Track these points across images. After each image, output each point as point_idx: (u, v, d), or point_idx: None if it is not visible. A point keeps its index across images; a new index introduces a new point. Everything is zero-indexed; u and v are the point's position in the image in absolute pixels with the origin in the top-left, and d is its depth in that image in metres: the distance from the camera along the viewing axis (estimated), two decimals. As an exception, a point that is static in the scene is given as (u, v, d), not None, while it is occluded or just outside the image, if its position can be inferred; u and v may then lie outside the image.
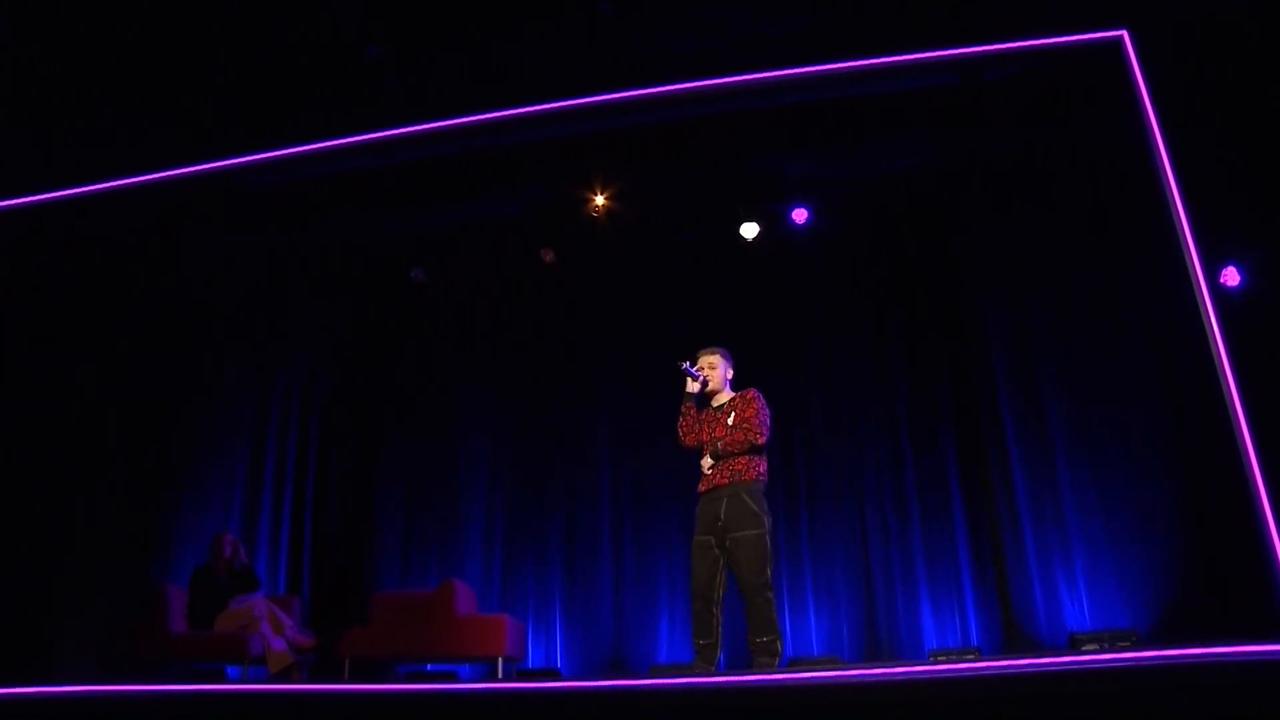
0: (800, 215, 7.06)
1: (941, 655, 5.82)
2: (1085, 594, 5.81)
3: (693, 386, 4.30)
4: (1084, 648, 4.91)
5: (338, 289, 7.74)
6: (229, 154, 5.98)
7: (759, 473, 4.18)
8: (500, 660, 5.78)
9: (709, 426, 4.31)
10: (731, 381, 4.44)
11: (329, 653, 6.00)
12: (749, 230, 6.99)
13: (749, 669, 4.09)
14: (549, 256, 7.27)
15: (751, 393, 4.28)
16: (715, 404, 4.35)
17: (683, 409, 4.33)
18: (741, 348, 5.55)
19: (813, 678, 3.63)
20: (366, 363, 7.73)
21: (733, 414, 4.21)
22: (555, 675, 6.23)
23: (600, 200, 6.94)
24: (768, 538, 4.04)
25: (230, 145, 6.03)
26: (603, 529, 6.97)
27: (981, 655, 5.74)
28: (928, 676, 3.49)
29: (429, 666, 6.65)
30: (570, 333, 7.48)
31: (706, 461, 4.18)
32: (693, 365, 4.34)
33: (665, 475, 6.83)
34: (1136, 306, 6.04)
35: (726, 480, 4.12)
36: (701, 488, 4.23)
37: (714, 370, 4.36)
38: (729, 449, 4.14)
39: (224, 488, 7.16)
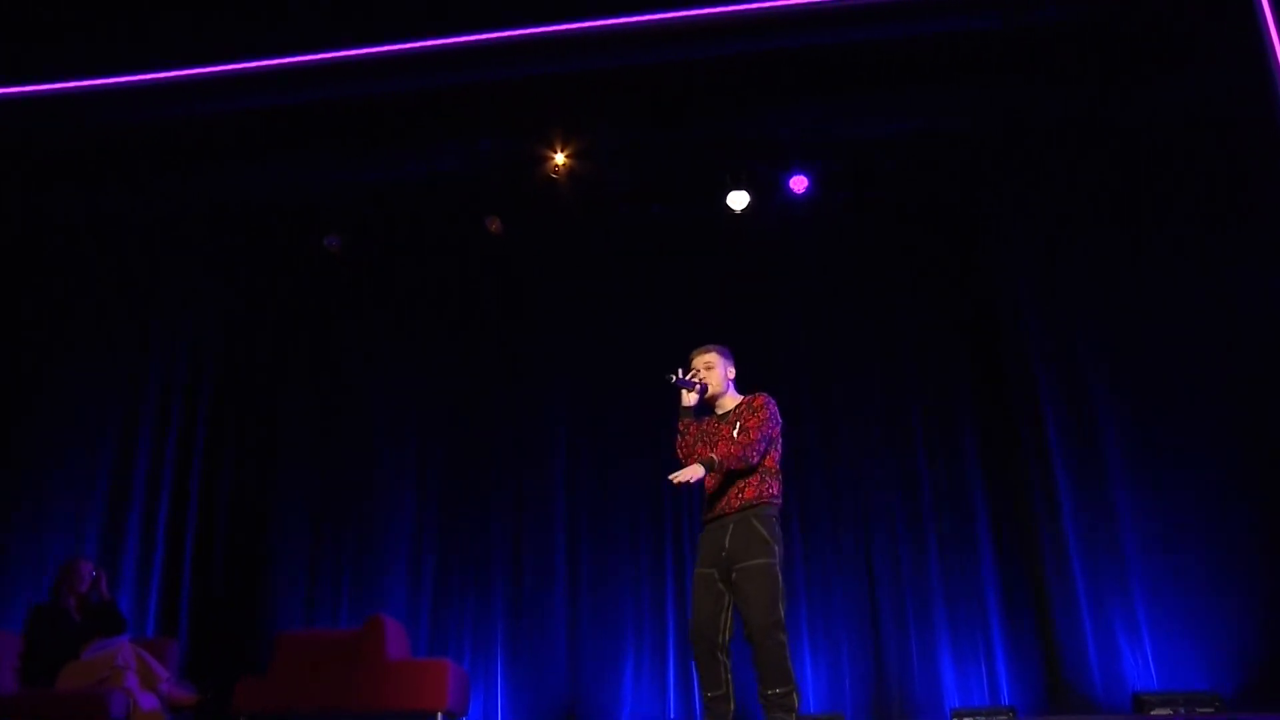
0: (799, 183, 6.88)
1: (967, 715, 5.67)
2: (1150, 645, 5.60)
3: (689, 399, 4.09)
4: (1153, 712, 4.63)
5: (232, 258, 7.46)
6: (87, 73, 5.40)
7: (771, 494, 4.01)
8: (439, 715, 5.45)
9: (709, 440, 4.12)
10: (735, 382, 4.25)
11: (218, 710, 5.64)
12: (738, 200, 6.82)
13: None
14: (495, 225, 7.05)
15: (761, 399, 4.08)
16: (719, 412, 4.16)
17: (680, 426, 4.12)
18: (726, 340, 5.20)
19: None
20: (266, 350, 7.41)
21: (738, 424, 4.05)
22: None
23: (560, 159, 6.71)
24: (779, 568, 3.86)
25: (90, 62, 5.46)
26: (556, 557, 6.75)
27: (1018, 716, 5.54)
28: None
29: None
30: (519, 319, 7.28)
31: (696, 472, 3.90)
32: (685, 373, 4.10)
33: (631, 492, 6.75)
34: (1211, 300, 5.86)
35: (735, 505, 3.97)
36: (707, 515, 4.07)
37: (712, 371, 4.14)
38: (727, 463, 3.94)
39: (76, 501, 6.73)
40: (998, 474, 6.37)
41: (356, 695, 5.45)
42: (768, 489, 4.00)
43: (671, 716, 6.26)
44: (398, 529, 6.91)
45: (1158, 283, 6.06)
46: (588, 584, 6.66)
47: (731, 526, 3.93)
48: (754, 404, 4.06)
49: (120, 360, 7.09)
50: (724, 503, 3.99)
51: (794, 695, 3.80)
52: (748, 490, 3.95)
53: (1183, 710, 4.79)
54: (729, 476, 3.98)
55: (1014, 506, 6.28)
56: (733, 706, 3.91)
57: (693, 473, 3.88)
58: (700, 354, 4.18)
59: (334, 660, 5.55)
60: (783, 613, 3.82)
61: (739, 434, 3.98)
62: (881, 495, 6.49)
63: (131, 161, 6.58)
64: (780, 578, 3.86)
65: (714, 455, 3.90)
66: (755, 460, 3.95)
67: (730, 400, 4.17)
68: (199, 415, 7.17)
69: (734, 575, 3.87)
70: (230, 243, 7.38)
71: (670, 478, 3.90)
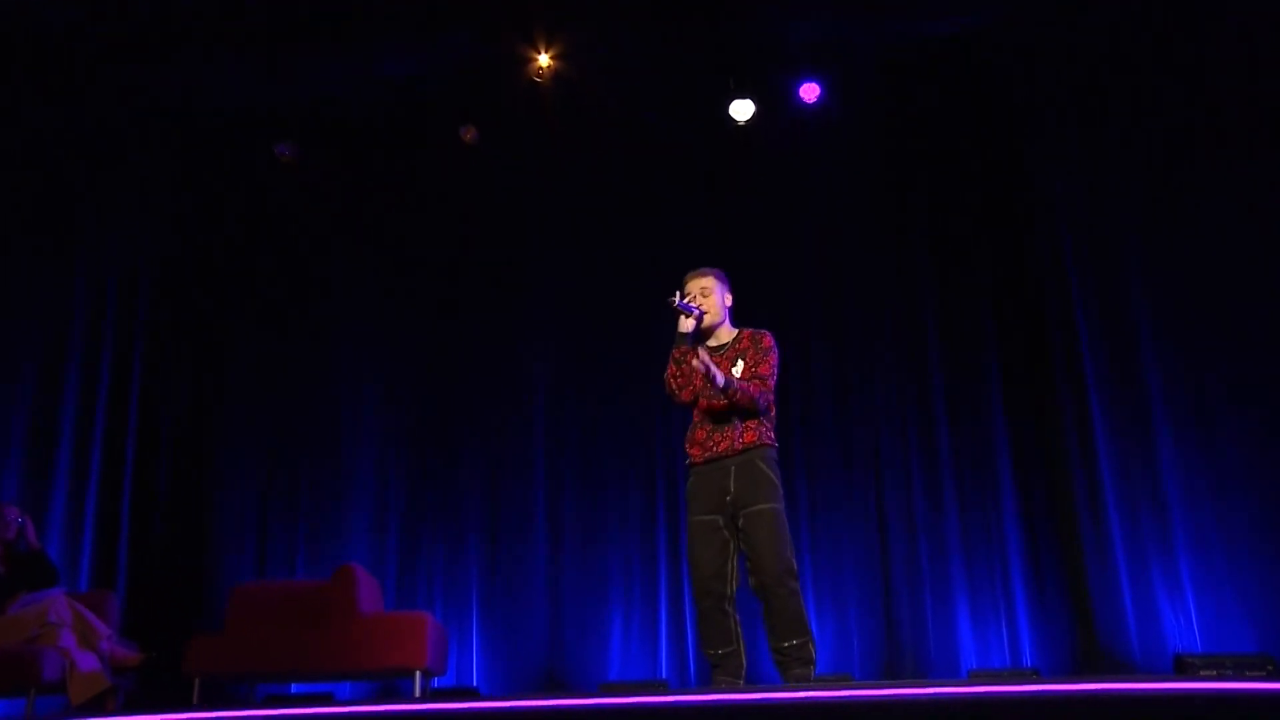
0: (810, 91, 6.79)
1: (985, 677, 5.61)
2: (1194, 606, 5.53)
3: (687, 324, 4.01)
4: (1198, 674, 4.62)
5: (172, 168, 7.21)
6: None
7: (771, 437, 4.07)
8: (418, 674, 5.40)
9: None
10: (732, 311, 4.21)
11: (166, 670, 5.52)
12: (741, 110, 6.74)
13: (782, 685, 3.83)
14: (470, 135, 6.95)
15: (769, 339, 4.11)
16: (714, 343, 4.16)
17: (675, 354, 4.06)
18: (729, 267, 5.02)
19: (829, 696, 3.29)
20: (212, 272, 7.26)
21: (739, 360, 4.04)
22: (474, 696, 5.96)
23: (544, 60, 6.61)
24: (785, 513, 3.94)
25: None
26: (537, 502, 6.72)
27: (1041, 678, 5.48)
28: (1020, 695, 3.09)
29: (294, 687, 6.32)
30: (498, 241, 7.18)
31: (713, 371, 3.85)
32: (682, 297, 4.07)
33: (621, 431, 6.71)
34: (1275, 231, 5.71)
35: (740, 445, 3.98)
36: (698, 456, 4.05)
37: (708, 297, 4.12)
38: (739, 395, 3.91)
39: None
40: (1025, 416, 6.29)
41: (326, 653, 5.37)
42: (766, 432, 4.04)
43: (664, 675, 6.22)
44: (361, 472, 6.84)
45: (1217, 209, 5.90)
46: (571, 532, 6.63)
47: (734, 468, 3.95)
48: (762, 344, 4.07)
49: (44, 281, 6.81)
50: (723, 446, 3.99)
51: (811, 646, 3.84)
52: (748, 434, 3.98)
53: (1229, 673, 4.70)
54: (726, 418, 3.98)
55: (1043, 452, 6.21)
56: (745, 662, 3.93)
57: (718, 375, 3.83)
58: (696, 278, 4.15)
59: (299, 615, 5.47)
60: (793, 560, 3.87)
61: (751, 379, 3.97)
62: (896, 439, 6.44)
63: (53, 54, 6.28)
64: (787, 522, 3.91)
65: (733, 383, 3.89)
66: (763, 406, 3.98)
67: (726, 332, 4.16)
68: (135, 343, 6.95)
69: (741, 520, 3.89)
70: (169, 150, 7.14)
71: (696, 362, 3.82)
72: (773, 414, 4.06)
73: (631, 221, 6.95)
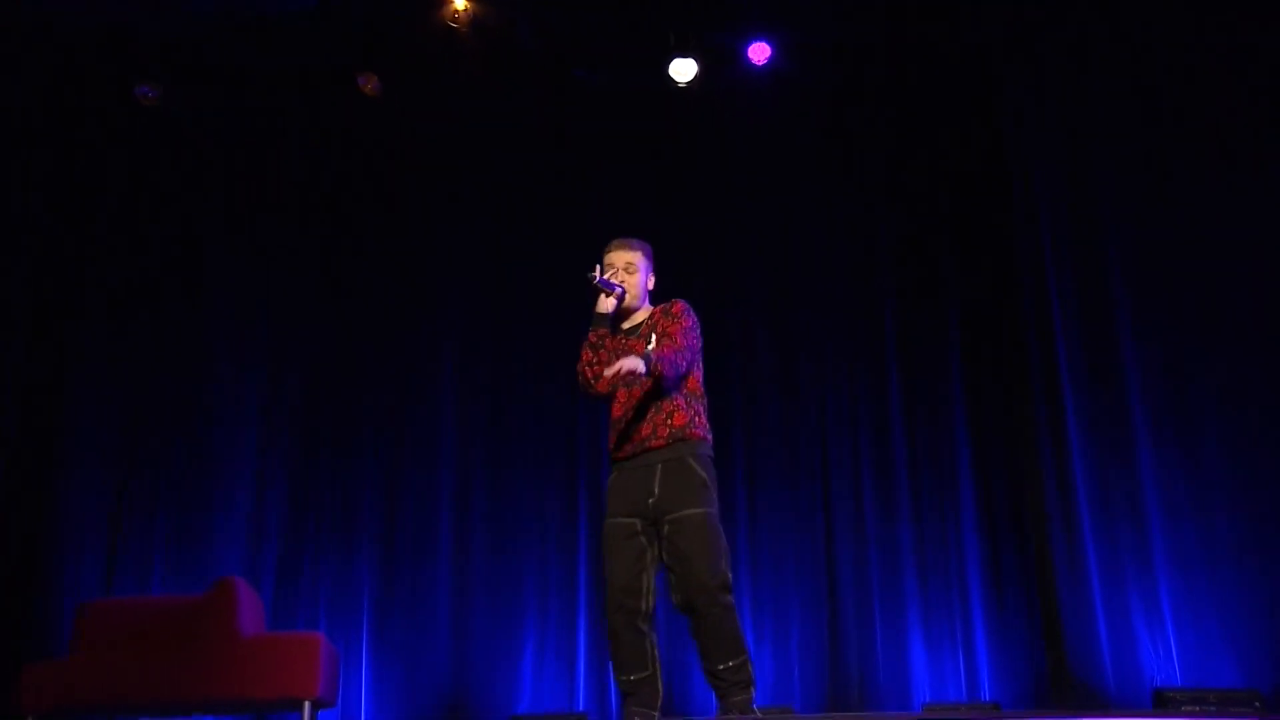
0: (760, 52, 6.78)
1: (940, 710, 5.60)
2: (1174, 634, 5.50)
3: (608, 304, 3.99)
4: (1181, 709, 4.64)
5: (9, 109, 6.68)
6: None
7: (703, 423, 3.96)
8: (307, 706, 5.12)
9: (617, 358, 3.99)
10: (651, 294, 4.16)
11: None
12: (683, 70, 6.71)
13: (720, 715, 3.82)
14: (370, 85, 6.84)
15: (680, 305, 4.02)
16: (626, 325, 4.11)
17: (592, 337, 4.00)
18: (661, 248, 5.01)
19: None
20: (57, 232, 6.76)
21: (653, 337, 3.98)
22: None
23: (460, 3, 6.53)
24: (718, 517, 3.85)
25: None
26: (440, 507, 6.59)
27: (1002, 713, 5.50)
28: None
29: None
30: (400, 207, 7.06)
31: (636, 365, 3.69)
32: (604, 272, 3.99)
33: (538, 428, 6.66)
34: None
35: (664, 437, 3.85)
36: (622, 452, 3.93)
37: (633, 275, 4.05)
38: (662, 366, 3.74)
39: None
40: (991, 417, 6.32)
41: (199, 681, 5.01)
42: (697, 416, 3.93)
43: (581, 708, 6.08)
44: (233, 471, 6.54)
45: (1206, 196, 5.89)
46: (479, 541, 6.50)
47: (660, 467, 3.82)
48: (672, 310, 3.99)
49: None
50: (646, 433, 3.85)
51: (749, 666, 3.77)
52: (676, 416, 3.84)
53: (1213, 709, 4.73)
54: (647, 401, 3.88)
55: (1009, 460, 6.23)
56: (661, 690, 3.82)
57: (633, 364, 3.68)
58: (621, 250, 4.06)
59: (167, 637, 5.14)
60: (728, 571, 3.77)
61: (663, 341, 3.90)
62: (846, 439, 6.45)
63: None
64: (721, 529, 3.81)
65: (650, 355, 3.75)
66: (684, 369, 3.87)
67: (643, 313, 4.10)
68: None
69: (666, 529, 3.77)
70: (12, 87, 6.61)
71: (607, 372, 3.74)
72: (700, 393, 3.94)
73: (554, 189, 6.90)
